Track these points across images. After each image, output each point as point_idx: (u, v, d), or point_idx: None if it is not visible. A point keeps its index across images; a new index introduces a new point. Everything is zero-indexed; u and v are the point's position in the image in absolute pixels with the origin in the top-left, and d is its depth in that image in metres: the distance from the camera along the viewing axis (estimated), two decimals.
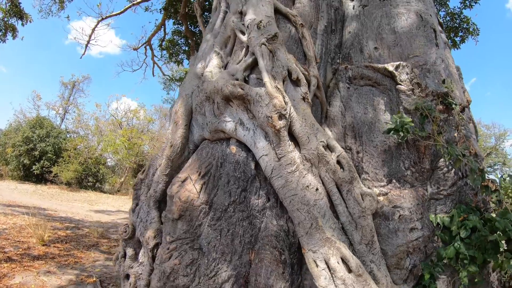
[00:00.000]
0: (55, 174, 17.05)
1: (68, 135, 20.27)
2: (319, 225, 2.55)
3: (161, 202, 3.30)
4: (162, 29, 11.67)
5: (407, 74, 3.75)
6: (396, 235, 3.10)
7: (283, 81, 3.11)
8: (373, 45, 4.17)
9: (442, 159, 3.49)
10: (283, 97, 2.85)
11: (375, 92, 3.85)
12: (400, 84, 3.68)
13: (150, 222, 3.12)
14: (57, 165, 17.29)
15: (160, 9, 11.05)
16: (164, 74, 13.79)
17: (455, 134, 3.73)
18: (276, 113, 2.70)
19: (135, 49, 12.01)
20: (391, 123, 3.45)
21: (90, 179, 17.98)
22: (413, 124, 3.30)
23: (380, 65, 3.83)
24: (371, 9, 4.39)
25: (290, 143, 2.82)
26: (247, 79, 3.37)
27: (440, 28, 4.54)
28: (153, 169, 3.46)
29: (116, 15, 10.84)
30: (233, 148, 3.03)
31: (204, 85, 3.33)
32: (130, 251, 3.27)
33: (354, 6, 4.46)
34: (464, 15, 9.25)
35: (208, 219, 2.77)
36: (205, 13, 11.56)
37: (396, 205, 3.24)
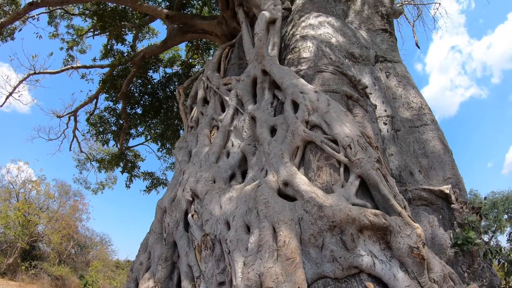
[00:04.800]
0: None
1: None
2: None
3: None
4: (94, 102, 10.32)
5: (454, 194, 4.18)
6: None
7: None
8: (416, 168, 4.46)
9: (479, 258, 4.13)
10: None
11: (429, 210, 4.19)
12: (453, 204, 4.17)
13: None
14: None
15: (99, 81, 9.86)
16: (81, 151, 11.85)
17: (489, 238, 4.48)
18: (421, 243, 2.71)
19: (59, 117, 10.22)
20: (453, 237, 4.05)
21: None
22: (475, 238, 3.93)
23: (436, 188, 4.22)
24: (404, 134, 4.78)
25: None
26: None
27: None
28: None
29: (49, 73, 9.29)
30: (371, 285, 2.64)
31: (326, 211, 2.80)
32: None
33: (388, 129, 4.76)
34: None
35: None
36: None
37: None
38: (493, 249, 4.23)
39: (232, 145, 5.12)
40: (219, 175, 4.56)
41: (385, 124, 4.82)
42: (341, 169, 3.29)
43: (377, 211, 2.78)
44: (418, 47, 10.65)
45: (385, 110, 4.90)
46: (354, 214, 2.73)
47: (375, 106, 4.74)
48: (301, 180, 3.23)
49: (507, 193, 21.19)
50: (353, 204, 2.94)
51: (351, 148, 3.25)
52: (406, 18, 11.80)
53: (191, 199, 4.61)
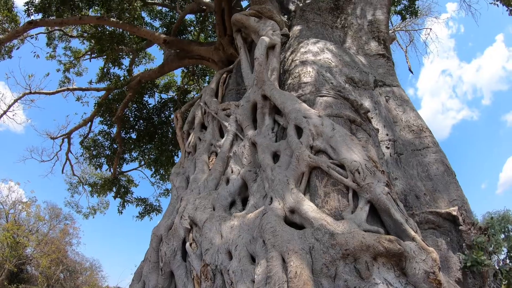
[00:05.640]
0: None
1: None
2: None
3: None
4: (88, 125, 10.20)
5: (461, 215, 4.16)
6: None
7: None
8: (421, 191, 4.39)
9: (489, 279, 3.99)
10: None
11: (437, 233, 4.09)
12: (461, 225, 4.07)
13: None
14: None
15: (95, 104, 9.79)
16: (74, 174, 11.62)
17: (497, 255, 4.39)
18: (437, 268, 2.68)
19: (52, 138, 10.09)
20: (463, 259, 3.91)
21: None
22: (485, 259, 3.81)
23: (443, 211, 4.12)
24: (407, 158, 4.72)
25: None
26: None
27: None
28: None
29: (45, 93, 9.26)
30: None
31: (339, 239, 2.69)
32: None
33: (391, 153, 4.72)
34: None
35: None
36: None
37: None
38: (503, 269, 4.18)
39: (232, 172, 5.00)
40: (219, 203, 4.42)
41: (388, 148, 4.78)
42: (350, 195, 3.21)
43: (391, 237, 2.71)
44: (411, 72, 10.90)
45: (387, 134, 4.88)
46: (368, 241, 2.64)
47: (377, 130, 4.70)
48: (309, 207, 3.12)
49: (503, 213, 21.48)
50: (365, 231, 2.86)
51: (359, 173, 3.17)
52: (399, 44, 12.15)
53: (189, 227, 4.44)
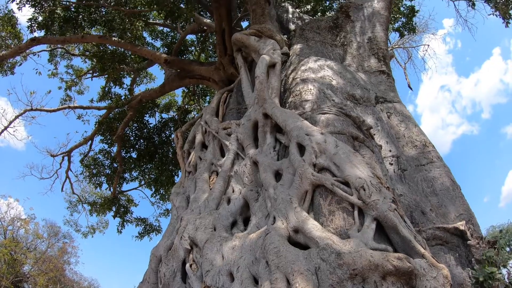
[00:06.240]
0: None
1: None
2: None
3: None
4: (89, 144, 10.21)
5: (469, 230, 4.08)
6: None
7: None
8: (427, 207, 4.35)
9: None
10: None
11: (444, 249, 3.99)
12: (470, 240, 3.98)
13: None
14: None
15: (96, 123, 9.81)
16: (73, 192, 11.55)
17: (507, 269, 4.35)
18: (449, 285, 2.62)
19: (52, 156, 10.10)
20: (473, 275, 3.78)
21: None
22: (497, 273, 3.66)
23: (450, 226, 4.03)
24: (411, 173, 4.66)
25: None
26: None
27: None
28: None
29: (46, 111, 9.36)
30: None
31: (346, 259, 2.60)
32: None
33: (394, 170, 4.66)
34: None
35: None
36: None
37: None
38: None
39: (233, 191, 4.93)
40: (220, 223, 4.33)
41: (391, 164, 4.73)
42: (355, 212, 3.13)
43: (401, 255, 2.63)
44: (411, 89, 11.00)
45: (390, 150, 4.83)
46: (376, 259, 2.55)
47: (380, 146, 4.66)
48: (313, 226, 3.03)
49: (507, 226, 21.29)
50: (373, 249, 2.78)
51: (364, 190, 3.11)
52: (397, 62, 12.28)
53: (189, 247, 4.34)
